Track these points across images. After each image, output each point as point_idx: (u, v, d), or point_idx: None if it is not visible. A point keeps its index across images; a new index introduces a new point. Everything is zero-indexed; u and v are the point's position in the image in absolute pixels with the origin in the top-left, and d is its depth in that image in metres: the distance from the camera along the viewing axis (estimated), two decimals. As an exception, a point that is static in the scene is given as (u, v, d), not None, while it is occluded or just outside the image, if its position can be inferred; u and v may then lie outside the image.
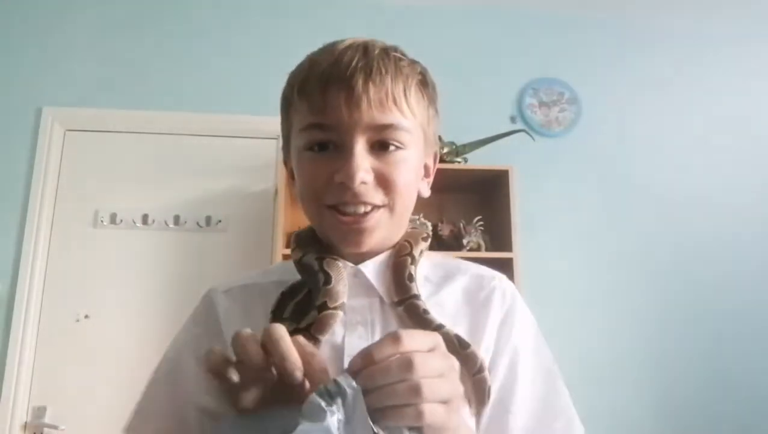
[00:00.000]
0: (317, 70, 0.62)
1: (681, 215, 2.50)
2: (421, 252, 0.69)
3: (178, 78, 2.43)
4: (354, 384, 0.42)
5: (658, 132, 2.60)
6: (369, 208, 0.62)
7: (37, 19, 2.43)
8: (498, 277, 0.73)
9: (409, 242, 0.68)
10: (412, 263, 0.66)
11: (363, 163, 0.60)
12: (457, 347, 0.60)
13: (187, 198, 2.34)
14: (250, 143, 2.40)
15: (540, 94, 2.57)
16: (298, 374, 0.45)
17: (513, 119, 2.53)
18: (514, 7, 2.63)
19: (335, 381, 0.42)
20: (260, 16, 2.53)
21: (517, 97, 2.57)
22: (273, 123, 2.78)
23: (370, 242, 0.64)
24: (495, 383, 0.64)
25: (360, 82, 0.59)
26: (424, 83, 0.66)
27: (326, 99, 0.60)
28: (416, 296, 0.64)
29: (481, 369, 0.61)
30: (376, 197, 0.62)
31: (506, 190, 2.10)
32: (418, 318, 0.62)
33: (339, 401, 0.41)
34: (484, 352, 0.65)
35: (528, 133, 2.33)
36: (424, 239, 0.70)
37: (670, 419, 2.30)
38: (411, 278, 0.65)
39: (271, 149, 2.39)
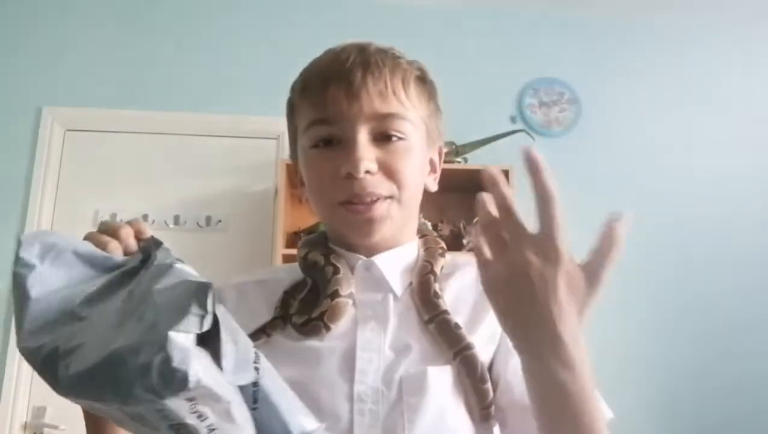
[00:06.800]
0: (316, 70, 0.66)
1: (684, 216, 2.49)
2: (442, 268, 0.70)
3: (178, 78, 2.43)
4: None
5: (659, 132, 2.60)
6: (376, 198, 0.63)
7: (36, 18, 2.43)
8: None
9: (429, 262, 0.69)
10: (435, 281, 0.67)
11: (366, 153, 0.62)
12: (478, 377, 0.61)
13: (187, 198, 2.33)
14: (250, 143, 2.40)
15: (540, 94, 2.57)
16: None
17: (513, 119, 2.53)
18: (514, 7, 2.63)
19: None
20: (261, 15, 2.53)
21: (517, 98, 2.57)
22: (273, 123, 2.76)
23: (380, 231, 0.65)
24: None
25: (359, 75, 0.62)
26: (423, 79, 0.69)
27: (326, 95, 0.63)
28: (445, 312, 0.64)
29: (489, 405, 0.62)
30: (383, 187, 0.63)
31: (506, 190, 2.10)
32: (450, 333, 0.63)
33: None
34: (484, 335, 0.65)
35: (528, 133, 2.33)
36: (442, 255, 0.72)
37: (672, 431, 2.29)
38: (437, 295, 0.66)
39: (271, 149, 2.38)
